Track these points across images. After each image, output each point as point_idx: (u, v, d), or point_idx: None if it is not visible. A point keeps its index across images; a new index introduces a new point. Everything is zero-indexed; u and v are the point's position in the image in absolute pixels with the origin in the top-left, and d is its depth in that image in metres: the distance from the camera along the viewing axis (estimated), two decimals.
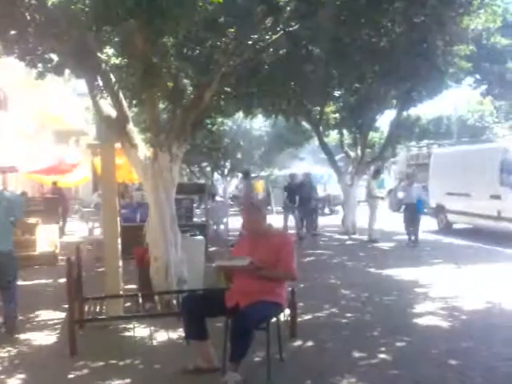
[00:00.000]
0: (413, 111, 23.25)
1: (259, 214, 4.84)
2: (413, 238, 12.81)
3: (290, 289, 5.36)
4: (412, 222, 12.87)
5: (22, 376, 4.74)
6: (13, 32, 6.51)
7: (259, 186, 27.65)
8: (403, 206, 13.57)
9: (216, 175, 32.92)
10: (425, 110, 30.67)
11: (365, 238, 14.31)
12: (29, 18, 6.06)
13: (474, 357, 5.06)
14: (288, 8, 6.95)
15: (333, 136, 27.08)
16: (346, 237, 15.13)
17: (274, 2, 6.61)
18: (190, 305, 4.69)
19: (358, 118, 16.04)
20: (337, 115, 16.80)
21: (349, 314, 6.63)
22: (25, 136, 17.77)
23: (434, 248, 12.28)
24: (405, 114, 18.36)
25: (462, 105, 32.81)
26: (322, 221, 20.23)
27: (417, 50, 9.45)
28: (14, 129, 17.61)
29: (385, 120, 19.76)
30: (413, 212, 12.80)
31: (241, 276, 4.64)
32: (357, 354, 5.14)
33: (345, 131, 18.75)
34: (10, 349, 5.48)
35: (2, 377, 4.71)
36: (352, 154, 17.59)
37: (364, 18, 7.73)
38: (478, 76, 15.14)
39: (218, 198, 21.81)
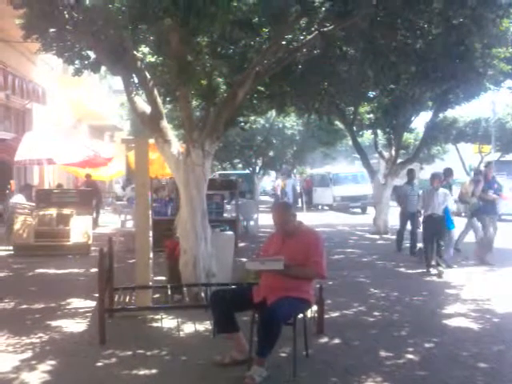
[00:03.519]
0: (450, 113, 22.94)
1: (288, 213, 4.92)
2: (433, 262, 9.43)
3: (317, 285, 5.42)
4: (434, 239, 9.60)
5: (52, 362, 4.89)
6: (52, 30, 6.74)
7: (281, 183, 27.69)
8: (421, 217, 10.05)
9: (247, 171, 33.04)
10: (462, 112, 30.18)
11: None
12: (67, 16, 6.26)
13: (505, 360, 5.04)
14: (323, 8, 6.99)
15: (366, 136, 26.93)
16: (377, 236, 15.10)
17: (309, 2, 6.65)
18: (218, 300, 4.78)
19: (393, 119, 15.92)
20: (371, 115, 16.73)
21: (377, 313, 6.65)
22: (62, 129, 18.19)
23: (467, 249, 12.13)
24: (441, 115, 18.13)
25: (501, 107, 32.14)
26: (352, 220, 20.20)
27: (454, 51, 9.36)
28: (52, 122, 18.07)
29: (420, 121, 19.61)
30: (437, 227, 9.56)
31: (269, 272, 4.72)
32: (383, 354, 5.16)
33: (379, 131, 18.64)
34: (41, 335, 5.67)
35: (33, 362, 4.88)
36: (386, 154, 17.50)
37: (400, 19, 7.71)
38: None
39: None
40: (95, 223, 15.17)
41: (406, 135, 19.99)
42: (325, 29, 7.24)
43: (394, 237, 14.66)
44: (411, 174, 12.01)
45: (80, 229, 11.48)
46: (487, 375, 4.65)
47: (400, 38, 8.33)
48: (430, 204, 9.54)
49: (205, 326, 5.93)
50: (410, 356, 5.13)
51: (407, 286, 8.31)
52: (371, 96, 13.88)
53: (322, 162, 34.98)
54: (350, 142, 19.39)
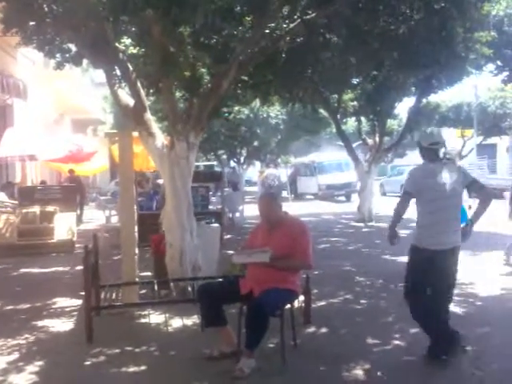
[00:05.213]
0: (432, 98, 23.04)
1: (274, 204, 4.90)
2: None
3: (304, 275, 5.43)
4: None
5: (39, 362, 4.84)
6: (31, 23, 6.62)
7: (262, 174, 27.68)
8: None
9: (232, 163, 33.01)
10: (445, 97, 30.33)
11: (382, 224, 14.27)
12: (46, 9, 6.16)
13: (489, 343, 5.10)
14: None
15: (350, 123, 26.98)
16: (361, 224, 15.17)
17: None
18: (205, 293, 4.77)
19: (376, 106, 15.96)
20: (355, 103, 16.74)
21: (363, 301, 6.70)
22: (44, 125, 17.99)
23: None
24: (424, 100, 18.22)
25: (483, 92, 32.38)
26: (337, 208, 20.27)
27: (436, 36, 9.37)
28: (34, 118, 17.86)
29: (404, 107, 19.65)
30: None
31: (255, 264, 4.71)
32: (371, 341, 5.20)
33: (363, 119, 18.68)
34: (27, 336, 5.60)
35: (20, 363, 4.82)
36: (370, 141, 17.55)
37: (382, 5, 7.70)
38: (499, 62, 14.94)
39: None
40: (79, 220, 15.04)
41: (389, 121, 20.06)
42: (307, 16, 7.20)
43: (378, 224, 14.77)
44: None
45: (64, 226, 11.36)
46: (474, 358, 4.71)
47: (382, 23, 8.32)
48: None
49: (192, 320, 5.91)
50: (396, 342, 5.20)
51: (392, 273, 8.30)
52: (355, 83, 13.86)
53: (307, 150, 35.00)
54: (334, 130, 19.39)
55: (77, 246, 11.09)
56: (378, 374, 4.45)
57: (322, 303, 6.56)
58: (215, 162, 31.98)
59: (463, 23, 9.35)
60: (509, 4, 12.36)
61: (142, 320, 6.08)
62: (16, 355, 5.05)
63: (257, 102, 18.92)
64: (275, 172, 23.47)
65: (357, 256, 10.07)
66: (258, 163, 35.80)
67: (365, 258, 9.84)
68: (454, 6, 8.33)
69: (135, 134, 7.15)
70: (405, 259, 9.08)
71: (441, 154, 4.72)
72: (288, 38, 7.72)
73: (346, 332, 5.50)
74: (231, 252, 7.21)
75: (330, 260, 9.42)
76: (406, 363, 4.67)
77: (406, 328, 5.53)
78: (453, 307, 6.21)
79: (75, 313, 6.43)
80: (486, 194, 4.75)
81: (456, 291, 6.81)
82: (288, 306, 4.79)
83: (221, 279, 5.79)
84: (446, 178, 4.53)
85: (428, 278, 4.54)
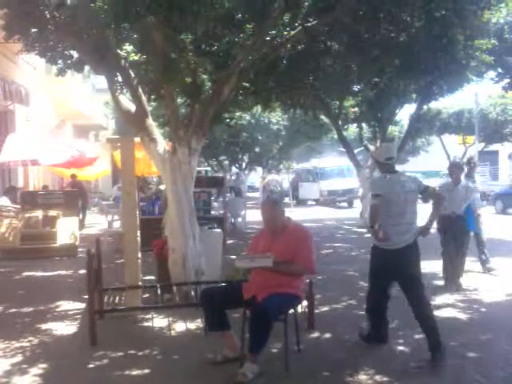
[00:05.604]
0: (433, 105, 23.08)
1: (277, 209, 4.93)
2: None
3: (307, 280, 5.45)
4: (454, 248, 7.73)
5: (43, 365, 4.87)
6: (33, 30, 6.68)
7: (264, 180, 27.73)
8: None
9: (234, 168, 33.02)
10: (446, 104, 30.37)
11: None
12: (49, 16, 6.21)
13: (493, 349, 5.11)
14: (306, 3, 7.00)
15: (352, 129, 27.01)
16: (364, 230, 15.17)
17: None
18: (208, 299, 4.78)
19: (378, 112, 16.03)
20: (356, 109, 16.79)
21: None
22: (46, 130, 18.04)
23: None
24: (425, 107, 18.26)
25: (484, 98, 32.41)
26: (339, 214, 20.29)
27: (437, 44, 9.42)
28: (36, 123, 17.91)
29: (405, 113, 19.70)
30: (457, 230, 7.60)
31: (258, 269, 4.72)
32: (375, 346, 5.19)
33: (364, 125, 18.72)
34: (31, 338, 5.64)
35: (24, 366, 4.85)
36: (371, 147, 17.58)
37: (383, 13, 7.74)
38: (500, 70, 14.97)
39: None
40: (82, 224, 15.09)
41: (390, 128, 20.11)
42: (308, 24, 7.25)
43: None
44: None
45: (66, 230, 11.40)
46: (477, 364, 4.71)
47: (383, 31, 8.37)
48: (448, 202, 7.13)
49: (196, 324, 5.93)
50: (400, 348, 5.20)
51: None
52: (356, 90, 13.89)
53: (308, 156, 35.04)
54: (336, 136, 19.43)
55: (79, 250, 11.13)
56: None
57: (326, 308, 6.57)
58: (209, 168, 32.01)
59: (463, 31, 9.39)
60: (509, 12, 12.37)
61: (145, 324, 6.09)
62: (20, 358, 5.08)
63: (258, 108, 18.99)
64: (277, 178, 23.54)
65: (360, 261, 10.04)
66: (259, 169, 35.83)
67: (367, 264, 9.78)
68: (455, 13, 8.37)
69: (137, 139, 7.19)
70: None
71: (395, 167, 5.29)
72: (289, 45, 7.79)
73: (350, 337, 5.50)
74: (234, 257, 7.24)
75: (333, 265, 9.44)
76: (409, 369, 4.66)
77: (409, 333, 5.55)
78: (456, 313, 6.28)
79: (78, 316, 6.45)
80: (439, 197, 5.46)
81: (460, 297, 6.91)
82: (291, 310, 4.80)
83: (224, 284, 5.81)
84: (402, 187, 5.06)
85: (387, 274, 5.19)
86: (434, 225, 6.17)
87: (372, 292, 5.40)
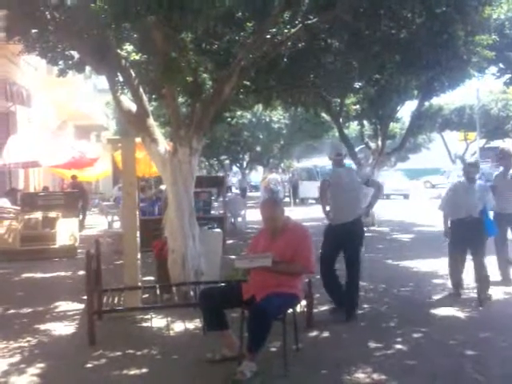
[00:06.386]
0: (435, 101, 23.06)
1: (277, 208, 4.94)
2: (464, 288, 7.21)
3: (306, 280, 5.45)
4: (462, 253, 7.14)
5: (41, 365, 4.87)
6: (34, 31, 6.68)
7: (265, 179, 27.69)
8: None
9: (235, 168, 33.07)
10: (447, 100, 30.35)
11: (384, 229, 14.29)
12: (49, 16, 6.21)
13: (491, 347, 5.12)
14: (306, 1, 6.99)
15: (353, 127, 27.00)
16: (364, 228, 15.14)
17: None
18: (207, 299, 4.79)
19: (379, 109, 15.99)
20: (357, 106, 16.76)
21: (366, 305, 6.70)
22: (47, 131, 18.06)
23: None
24: (427, 104, 18.24)
25: (485, 94, 32.36)
26: None
27: (438, 40, 9.40)
28: (37, 124, 17.94)
29: (406, 110, 19.67)
30: (474, 234, 6.80)
31: (257, 269, 4.72)
32: (373, 345, 5.21)
33: (365, 122, 18.70)
34: (29, 339, 5.64)
35: (22, 366, 4.86)
36: (372, 145, 17.56)
37: (383, 9, 7.73)
38: (501, 65, 14.94)
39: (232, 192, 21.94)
40: (81, 225, 15.10)
41: (392, 125, 20.07)
42: (309, 21, 7.24)
43: (381, 229, 14.78)
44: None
45: (66, 231, 11.40)
46: (475, 363, 4.72)
47: (384, 28, 8.35)
48: (462, 203, 6.85)
49: (195, 324, 5.94)
50: (398, 346, 5.20)
51: (395, 277, 8.37)
52: (357, 87, 13.86)
53: (309, 155, 35.03)
54: (337, 134, 19.41)
55: (79, 251, 11.14)
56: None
57: (325, 307, 6.55)
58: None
59: (464, 26, 9.37)
60: (510, 7, 12.37)
61: (144, 324, 6.09)
62: (18, 358, 5.09)
63: (259, 107, 18.97)
64: (277, 177, 23.50)
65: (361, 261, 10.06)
66: (260, 168, 35.82)
67: (367, 263, 9.76)
68: (455, 9, 8.35)
69: (138, 139, 7.20)
70: (409, 264, 9.24)
71: (343, 162, 6.69)
72: (289, 43, 7.77)
73: (348, 336, 5.51)
74: (233, 257, 7.25)
75: None
76: (407, 367, 4.67)
77: (407, 332, 5.56)
78: (455, 312, 6.28)
79: (78, 317, 6.46)
80: (377, 186, 6.95)
81: (458, 295, 6.90)
82: (290, 310, 4.81)
83: (223, 284, 5.81)
84: (347, 178, 6.44)
85: (336, 245, 6.39)
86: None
87: (323, 267, 6.32)
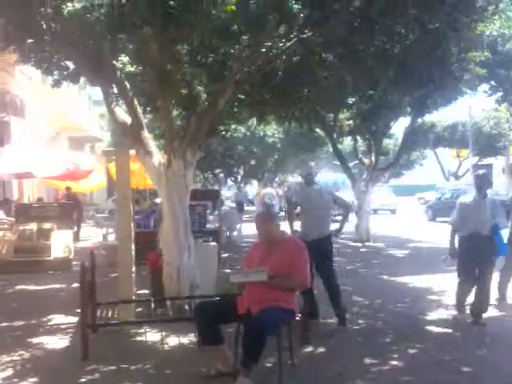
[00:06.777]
0: (428, 118, 23.18)
1: (272, 222, 4.89)
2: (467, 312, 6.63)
3: (301, 294, 5.38)
4: (476, 274, 6.48)
5: (33, 379, 4.77)
6: (29, 40, 6.63)
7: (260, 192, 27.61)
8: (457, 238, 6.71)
9: (229, 181, 33.04)
10: (440, 117, 30.50)
11: (379, 244, 14.28)
12: (45, 26, 6.16)
13: (487, 365, 5.05)
14: (301, 15, 6.99)
15: (346, 142, 27.08)
16: (359, 244, 15.13)
17: (287, 9, 6.64)
18: (202, 313, 4.72)
19: (372, 125, 16.03)
20: (351, 122, 16.81)
21: (361, 321, 6.64)
22: (41, 142, 17.98)
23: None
24: (419, 120, 18.32)
25: (477, 111, 32.57)
26: (334, 227, 20.24)
27: (431, 56, 9.42)
28: (31, 135, 17.86)
29: (399, 127, 19.76)
30: (481, 252, 6.30)
31: (252, 283, 4.67)
32: (369, 361, 5.14)
33: (359, 138, 18.75)
34: (22, 352, 5.53)
35: (15, 380, 4.76)
36: (366, 160, 17.59)
37: (377, 25, 7.74)
38: (493, 82, 15.02)
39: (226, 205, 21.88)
40: (76, 237, 14.98)
41: (385, 141, 20.14)
42: (304, 35, 7.23)
43: (376, 244, 14.78)
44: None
45: (61, 243, 11.29)
46: (471, 380, 4.66)
47: (378, 43, 8.37)
48: (472, 219, 6.41)
49: (189, 338, 5.85)
50: (394, 362, 5.13)
51: (390, 293, 8.31)
52: (350, 102, 13.90)
53: (303, 170, 35.09)
54: (331, 149, 19.44)
55: (74, 263, 11.00)
56: None
57: (320, 322, 6.47)
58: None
59: (457, 43, 9.41)
60: (503, 24, 12.45)
61: (138, 338, 6.00)
62: (10, 372, 4.98)
63: (254, 121, 18.98)
64: (273, 191, 23.46)
65: (354, 276, 10.00)
66: (255, 182, 35.79)
67: (362, 278, 9.79)
68: (448, 26, 8.39)
69: (132, 151, 7.14)
70: (404, 280, 9.19)
71: (314, 180, 7.03)
72: (284, 57, 7.76)
73: (344, 352, 5.44)
74: (229, 271, 7.18)
75: None
76: (403, 383, 4.59)
77: (403, 348, 5.50)
78: (451, 328, 6.25)
79: (71, 330, 6.36)
80: (346, 207, 7.35)
81: (454, 312, 6.80)
82: (285, 325, 4.73)
83: (218, 298, 5.73)
84: (315, 197, 6.74)
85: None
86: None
87: None
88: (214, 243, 8.44)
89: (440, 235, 14.31)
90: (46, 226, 11.56)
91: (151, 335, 6.04)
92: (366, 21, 7.38)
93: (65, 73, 7.67)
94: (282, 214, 24.48)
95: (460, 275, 6.65)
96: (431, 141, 31.32)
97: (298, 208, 6.96)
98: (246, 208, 30.70)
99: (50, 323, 6.79)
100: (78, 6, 5.64)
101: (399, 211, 30.66)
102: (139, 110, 7.16)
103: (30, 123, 17.62)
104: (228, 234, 15.36)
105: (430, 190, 41.62)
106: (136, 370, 4.96)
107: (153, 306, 6.16)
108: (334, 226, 6.99)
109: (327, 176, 30.11)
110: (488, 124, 31.99)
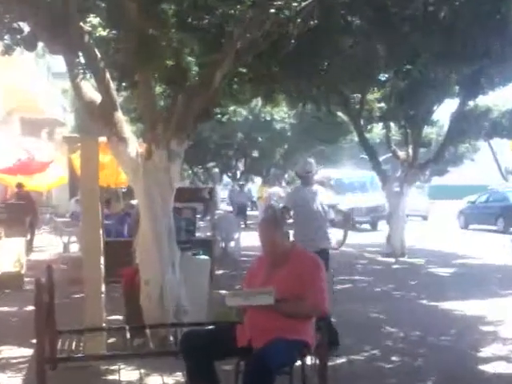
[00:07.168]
0: (481, 100, 23.15)
1: (279, 231, 4.89)
2: None
3: (318, 324, 5.40)
4: None
5: None
6: None
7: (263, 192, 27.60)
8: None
9: (226, 178, 33.07)
10: (497, 100, 30.45)
11: (417, 260, 14.31)
12: None
13: None
14: None
15: (377, 131, 27.10)
16: (392, 259, 15.18)
17: None
18: (191, 344, 4.73)
19: (410, 109, 16.05)
20: (382, 104, 16.84)
21: (395, 358, 6.68)
22: None
23: (506, 275, 12.21)
24: (470, 103, 18.33)
25: None
26: (360, 239, 20.30)
27: (487, 22, 9.45)
28: None
29: (444, 112, 19.74)
30: None
31: (255, 308, 4.68)
32: None
33: (392, 125, 18.75)
34: None
35: None
36: (401, 153, 17.60)
37: None
38: None
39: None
40: (29, 247, 15.01)
41: (426, 129, 20.12)
42: None
43: (412, 260, 14.81)
44: None
45: (10, 255, 11.31)
46: None
47: (418, 4, 8.39)
48: None
49: (175, 378, 5.89)
50: None
51: (432, 322, 8.35)
52: (382, 79, 13.95)
53: (321, 164, 35.04)
54: (356, 139, 19.46)
55: (26, 280, 11.04)
56: None
57: (342, 360, 6.52)
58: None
59: None
60: None
61: (110, 377, 6.04)
62: None
63: (258, 102, 19.01)
64: (280, 191, 23.48)
65: (386, 300, 10.04)
66: (258, 179, 35.82)
67: (396, 303, 9.82)
68: None
69: (102, 139, 7.17)
70: (450, 305, 9.21)
71: (313, 180, 7.48)
72: (299, 20, 7.77)
73: None
74: (224, 292, 7.18)
75: (352, 304, 9.44)
76: None
77: None
78: (510, 368, 6.22)
79: (24, 366, 6.39)
80: (344, 215, 8.34)
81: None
82: (298, 362, 4.74)
83: (211, 326, 5.75)
84: (314, 200, 7.19)
85: None
86: None
87: None
88: (205, 257, 8.46)
89: (473, 246, 14.44)
90: None
91: (126, 373, 6.08)
92: None
93: (18, 37, 7.70)
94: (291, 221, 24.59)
95: None
96: (485, 130, 31.28)
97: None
98: (248, 212, 30.71)
99: None
100: None
101: (431, 217, 31.33)
102: (112, 85, 7.18)
103: None
104: (223, 245, 15.40)
105: (481, 191, 41.67)
106: None
107: (128, 335, 6.16)
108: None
109: (351, 173, 29.93)
110: None
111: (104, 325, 6.64)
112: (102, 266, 6.76)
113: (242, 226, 23.45)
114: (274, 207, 21.51)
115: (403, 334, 7.75)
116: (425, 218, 31.23)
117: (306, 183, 7.44)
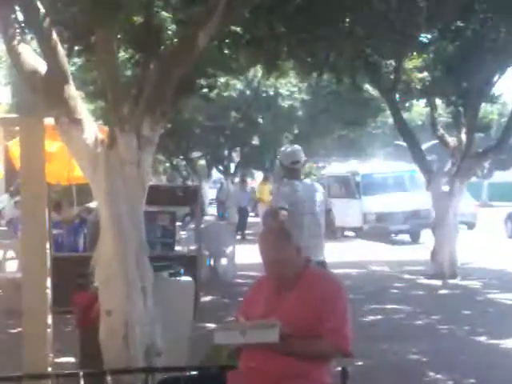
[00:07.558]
0: None
1: (286, 244, 4.87)
2: None
3: (338, 368, 5.43)
4: None
5: None
6: None
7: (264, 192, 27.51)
8: None
9: (215, 173, 33.07)
10: None
11: (472, 283, 14.33)
12: None
13: None
14: None
15: (418, 109, 27.14)
16: (438, 282, 15.16)
17: None
18: None
19: (461, 80, 16.04)
20: (425, 74, 16.83)
21: None
22: None
23: None
24: None
25: None
26: (396, 254, 20.35)
27: None
28: None
29: (508, 85, 19.80)
30: None
31: (254, 348, 4.70)
32: None
33: (438, 102, 18.75)
34: None
35: None
36: (451, 140, 17.60)
37: None
38: None
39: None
40: None
41: (484, 107, 20.14)
42: None
43: (466, 282, 14.81)
44: None
45: None
46: None
47: None
48: None
49: None
50: None
51: (492, 366, 8.34)
52: (425, 41, 13.97)
53: (344, 154, 35.11)
54: (390, 120, 19.48)
55: None
56: None
57: None
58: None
59: None
60: None
61: None
62: None
63: (258, 71, 19.04)
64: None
65: (430, 337, 10.06)
66: (259, 174, 35.87)
67: (444, 341, 9.83)
68: None
69: (49, 120, 7.18)
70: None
71: (300, 173, 7.98)
72: None
73: None
74: (213, 326, 7.22)
75: (384, 342, 9.51)
76: None
77: None
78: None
79: None
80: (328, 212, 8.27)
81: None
82: None
83: (194, 372, 5.78)
84: (308, 196, 7.64)
85: None
86: None
87: None
88: (188, 278, 8.48)
89: None
90: None
91: None
92: None
93: None
94: None
95: None
96: None
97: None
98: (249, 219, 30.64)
99: None
100: None
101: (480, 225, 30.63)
102: (61, 50, 7.18)
103: None
104: (212, 262, 15.43)
105: None
106: None
107: (83, 383, 6.21)
108: None
109: (383, 167, 29.84)
110: None
111: (50, 369, 6.66)
112: (49, 291, 6.78)
113: (238, 237, 23.53)
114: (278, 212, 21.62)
115: (453, 381, 7.77)
116: (471, 226, 29.86)
117: (292, 176, 7.82)
